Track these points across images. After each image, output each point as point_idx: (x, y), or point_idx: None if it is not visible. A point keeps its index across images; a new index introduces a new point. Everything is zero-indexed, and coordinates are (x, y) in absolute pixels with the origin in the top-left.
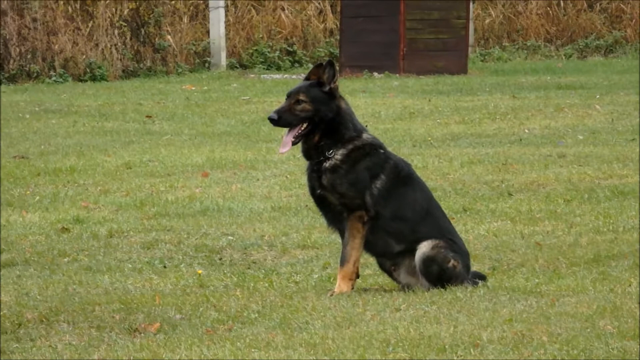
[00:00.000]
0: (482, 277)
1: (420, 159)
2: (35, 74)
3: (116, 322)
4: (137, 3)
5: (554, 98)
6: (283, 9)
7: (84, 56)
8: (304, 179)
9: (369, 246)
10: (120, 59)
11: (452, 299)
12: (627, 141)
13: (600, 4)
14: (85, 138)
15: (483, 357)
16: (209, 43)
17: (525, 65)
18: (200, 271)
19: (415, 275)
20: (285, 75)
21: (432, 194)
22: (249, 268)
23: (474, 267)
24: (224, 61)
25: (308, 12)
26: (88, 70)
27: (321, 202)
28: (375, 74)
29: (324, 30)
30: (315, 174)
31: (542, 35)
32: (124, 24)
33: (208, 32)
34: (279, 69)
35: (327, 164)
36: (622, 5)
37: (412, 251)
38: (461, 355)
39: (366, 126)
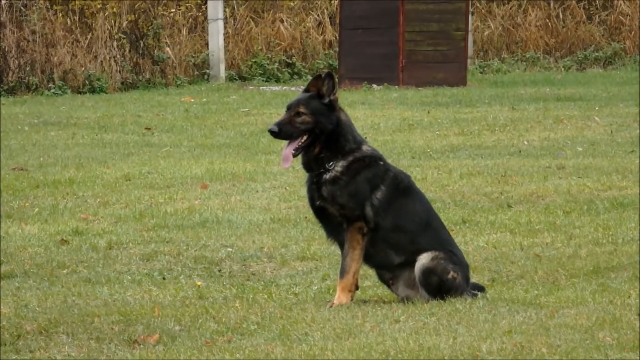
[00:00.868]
0: (482, 289)
1: (419, 170)
2: (34, 86)
3: (115, 334)
4: (136, 15)
5: (553, 110)
6: (282, 21)
7: (83, 68)
8: (303, 191)
9: (368, 258)
10: (119, 71)
11: (452, 311)
12: (627, 153)
13: (599, 16)
14: (85, 150)
15: None
16: (207, 55)
17: (524, 77)
18: (199, 283)
19: (415, 286)
20: (285, 87)
21: (431, 206)
22: (248, 280)
23: (473, 278)
24: (223, 73)
25: (307, 24)
26: (87, 82)
27: (321, 213)
28: (375, 85)
29: (323, 42)
30: (315, 186)
31: (541, 47)
32: (122, 36)
33: (207, 44)
34: (278, 80)
35: (327, 176)
36: (621, 17)
37: (411, 263)
38: None
39: (365, 138)
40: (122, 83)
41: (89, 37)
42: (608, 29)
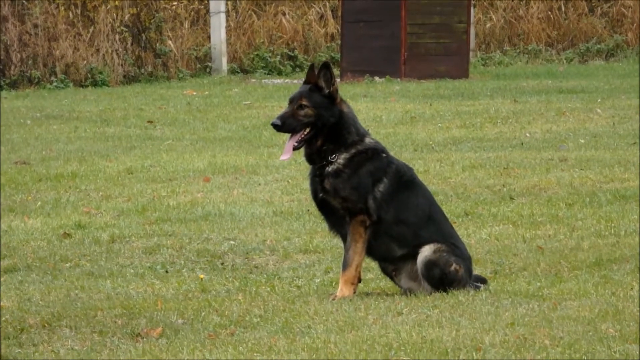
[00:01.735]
0: (484, 281)
1: (421, 163)
2: (36, 80)
3: (118, 327)
4: (138, 8)
5: (556, 102)
6: (284, 14)
7: (85, 62)
8: (305, 184)
9: (371, 250)
10: (122, 65)
11: (454, 303)
12: (629, 145)
13: (601, 8)
14: (87, 144)
15: None
16: (210, 48)
17: (526, 69)
18: (202, 276)
19: (417, 279)
20: (287, 80)
21: (434, 198)
22: (251, 273)
23: (476, 271)
24: (225, 66)
25: (309, 17)
26: (89, 75)
27: (323, 206)
28: (377, 78)
29: (325, 35)
30: (317, 178)
31: (543, 39)
32: (125, 29)
33: (209, 37)
34: (280, 73)
35: (329, 169)
36: (623, 9)
37: (414, 255)
38: (463, 359)
39: (368, 130)
40: (124, 76)
41: (91, 30)
42: (610, 21)
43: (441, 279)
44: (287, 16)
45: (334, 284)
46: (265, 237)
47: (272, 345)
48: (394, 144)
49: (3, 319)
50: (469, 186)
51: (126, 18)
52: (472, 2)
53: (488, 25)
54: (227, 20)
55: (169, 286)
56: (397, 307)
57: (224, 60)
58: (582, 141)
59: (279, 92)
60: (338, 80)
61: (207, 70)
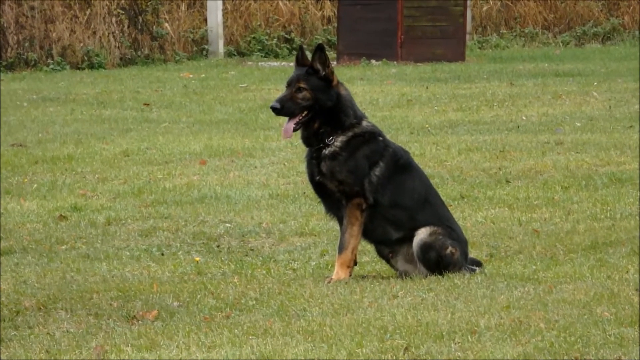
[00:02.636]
0: (480, 264)
1: (418, 146)
2: (33, 62)
3: (114, 310)
4: None
5: (552, 85)
6: None
7: (82, 44)
8: (302, 167)
9: (367, 233)
10: (118, 47)
11: (450, 286)
12: (625, 128)
13: None
14: (83, 126)
15: (480, 344)
16: (206, 31)
17: (522, 52)
18: (197, 259)
19: (413, 262)
20: (283, 63)
21: (430, 182)
22: (246, 255)
23: (472, 254)
24: (221, 49)
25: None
26: (86, 58)
27: (320, 189)
28: (373, 61)
29: (322, 18)
30: (314, 161)
31: (539, 22)
32: (121, 11)
33: (206, 19)
34: (276, 56)
35: (326, 151)
36: None
37: (410, 238)
38: (459, 342)
39: (365, 113)
40: (120, 59)
41: (87, 13)
42: (607, 4)
43: (437, 262)
44: None
45: (329, 267)
46: (261, 220)
47: (268, 328)
48: (390, 127)
49: None
50: (465, 169)
51: (123, 1)
52: None
53: (485, 8)
54: (223, 3)
55: (165, 269)
56: (392, 290)
57: (221, 42)
58: (579, 124)
59: (276, 75)
60: (335, 63)
61: (204, 53)
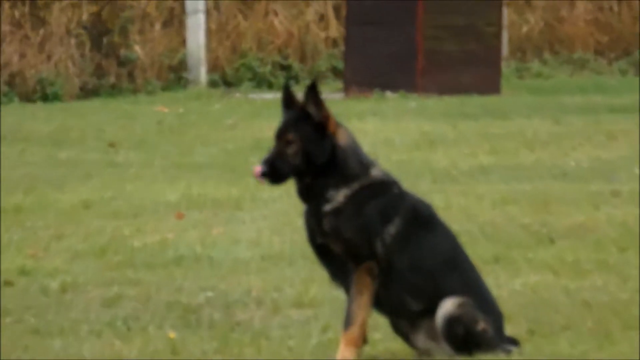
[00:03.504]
0: (517, 343)
1: (442, 197)
2: None
3: None
4: (99, 6)
5: (606, 123)
6: (276, 14)
7: (34, 71)
8: (300, 222)
9: (380, 304)
10: (78, 75)
11: None
12: None
13: None
14: (35, 170)
15: None
16: (185, 55)
17: (570, 82)
18: (172, 335)
19: (436, 338)
20: (279, 95)
21: (457, 241)
22: (232, 331)
23: (508, 329)
24: (203, 77)
25: (306, 17)
26: (39, 88)
27: (322, 251)
28: (388, 93)
29: (326, 40)
30: (314, 218)
31: (591, 46)
32: (82, 31)
33: (184, 41)
34: (271, 86)
35: (327, 207)
36: None
37: (432, 310)
38: None
39: (375, 160)
40: (81, 89)
41: (41, 32)
42: None
43: (465, 339)
44: (280, 16)
45: (334, 346)
46: (251, 287)
47: None
48: (408, 174)
49: None
50: (500, 225)
51: (84, 18)
52: (505, 0)
53: (524, 28)
54: (206, 22)
55: (132, 347)
56: None
57: (203, 69)
58: (638, 172)
59: (270, 108)
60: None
61: (182, 81)
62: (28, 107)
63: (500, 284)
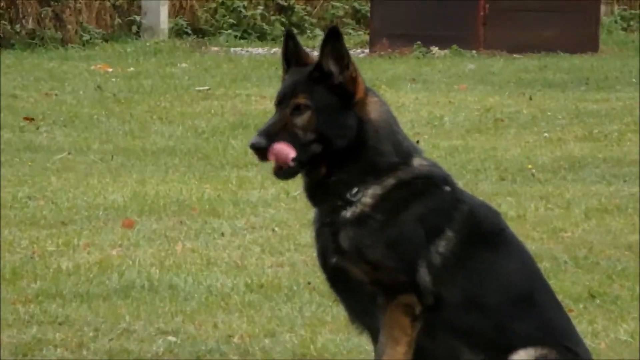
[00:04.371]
0: None
1: (513, 202)
2: None
3: None
4: None
5: None
6: None
7: None
8: (305, 237)
9: (422, 356)
10: None
11: None
12: None
13: None
14: None
15: None
16: None
17: None
18: None
19: None
20: (275, 49)
21: (535, 266)
22: None
23: None
24: (164, 22)
25: None
26: None
27: (338, 278)
28: (435, 49)
29: None
30: (327, 229)
31: None
32: None
33: None
34: (262, 37)
35: (347, 212)
36: None
37: None
38: None
39: (418, 142)
40: None
41: None
42: None
43: None
44: None
45: None
46: (232, 331)
47: None
48: (462, 168)
49: None
50: (597, 245)
51: None
52: None
53: None
54: None
55: None
56: None
57: (163, 11)
58: None
59: (262, 69)
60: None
61: (133, 29)
62: None
63: (596, 331)
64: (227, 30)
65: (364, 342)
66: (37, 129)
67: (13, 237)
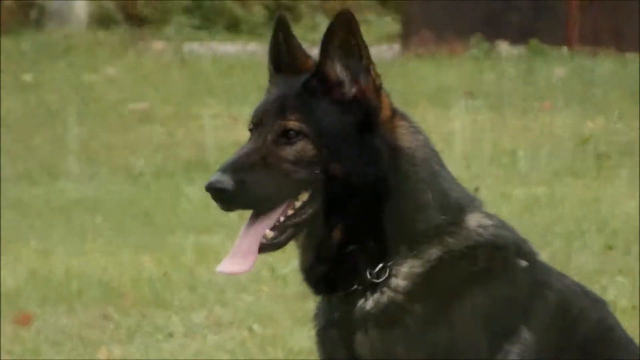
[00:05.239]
0: None
1: (627, 284)
2: None
3: None
4: None
5: None
6: None
7: None
8: (303, 340)
9: None
10: None
11: None
12: None
13: None
14: None
15: None
16: None
17: None
18: None
19: None
20: (252, 46)
21: None
22: None
23: None
24: (81, 7)
25: None
26: None
27: None
28: (504, 44)
29: None
30: (337, 329)
31: None
32: None
33: None
34: (235, 28)
35: (369, 302)
36: None
37: None
38: None
39: (476, 190)
40: None
41: None
42: None
43: None
44: None
45: None
46: None
47: None
48: (548, 230)
49: None
50: None
51: None
52: None
53: None
54: None
55: None
56: None
57: None
58: None
59: (232, 77)
60: (396, 49)
61: (32, 16)
62: None
63: None
64: (178, 16)
65: None
66: None
67: None
